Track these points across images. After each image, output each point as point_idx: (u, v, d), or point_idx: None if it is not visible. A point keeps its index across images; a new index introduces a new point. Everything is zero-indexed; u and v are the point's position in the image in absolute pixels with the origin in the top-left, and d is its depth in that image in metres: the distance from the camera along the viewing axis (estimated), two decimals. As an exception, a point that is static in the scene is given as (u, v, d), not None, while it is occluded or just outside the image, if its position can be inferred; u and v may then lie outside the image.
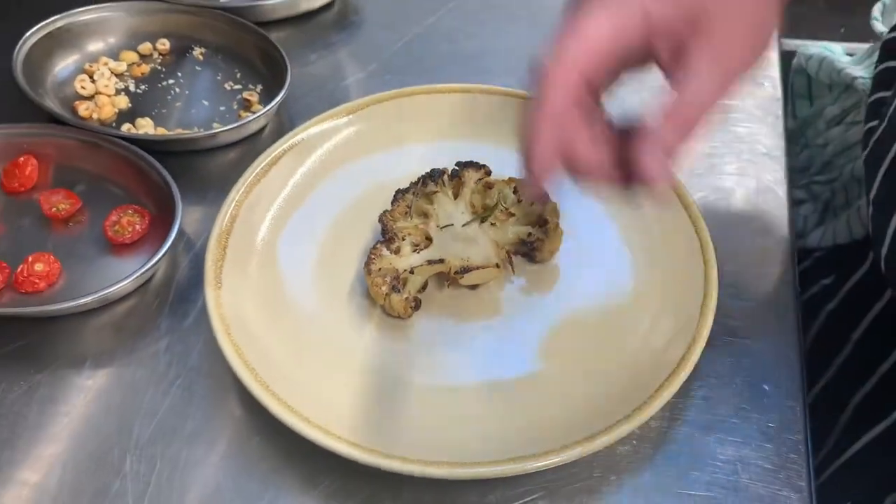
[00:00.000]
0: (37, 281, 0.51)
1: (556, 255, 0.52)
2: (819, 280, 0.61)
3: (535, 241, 0.51)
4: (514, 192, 0.53)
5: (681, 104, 0.36)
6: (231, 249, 0.50)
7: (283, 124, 0.65)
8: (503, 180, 0.54)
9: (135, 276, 0.50)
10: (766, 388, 0.48)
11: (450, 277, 0.50)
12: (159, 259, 0.50)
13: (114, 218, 0.54)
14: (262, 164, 0.55)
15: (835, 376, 0.58)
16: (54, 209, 0.55)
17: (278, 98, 0.61)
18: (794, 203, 0.65)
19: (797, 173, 0.71)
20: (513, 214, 0.52)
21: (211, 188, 0.59)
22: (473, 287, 0.51)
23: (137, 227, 0.54)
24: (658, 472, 0.44)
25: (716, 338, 0.48)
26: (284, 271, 0.51)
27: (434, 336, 0.49)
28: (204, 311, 0.50)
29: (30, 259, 0.51)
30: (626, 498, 0.43)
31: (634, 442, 0.45)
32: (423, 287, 0.50)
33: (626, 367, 0.46)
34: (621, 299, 0.50)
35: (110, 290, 0.49)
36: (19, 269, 0.51)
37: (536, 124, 0.37)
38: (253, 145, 0.63)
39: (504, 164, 0.55)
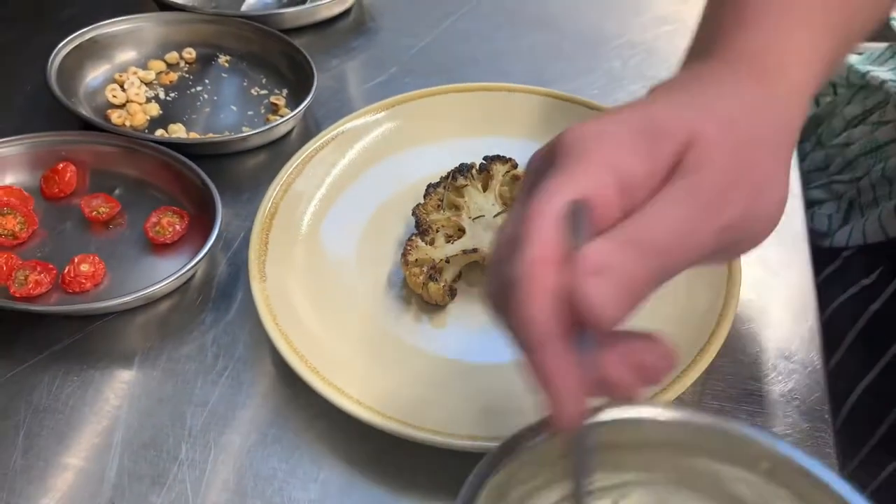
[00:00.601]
0: (83, 281, 0.53)
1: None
2: (858, 280, 0.62)
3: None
4: (541, 183, 0.55)
5: (633, 229, 0.29)
6: (272, 244, 0.52)
7: (310, 127, 0.67)
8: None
9: (178, 274, 0.52)
10: (786, 364, 0.50)
11: (483, 266, 0.52)
12: (202, 257, 0.52)
13: (154, 219, 0.56)
14: (298, 162, 0.57)
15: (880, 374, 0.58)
16: (95, 213, 0.57)
17: (307, 100, 0.63)
18: (809, 203, 0.67)
19: (813, 173, 0.72)
20: (541, 204, 0.54)
21: (244, 189, 0.61)
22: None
23: (177, 227, 0.56)
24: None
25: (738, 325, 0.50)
26: (325, 263, 0.53)
27: (470, 320, 0.51)
28: (245, 305, 0.53)
29: (76, 260, 0.53)
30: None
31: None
32: (458, 276, 0.52)
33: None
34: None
35: (155, 287, 0.51)
36: (66, 270, 0.53)
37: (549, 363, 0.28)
38: (281, 148, 0.65)
39: (529, 156, 0.58)
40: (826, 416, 0.47)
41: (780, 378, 0.49)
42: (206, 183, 0.56)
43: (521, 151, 0.57)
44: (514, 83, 0.65)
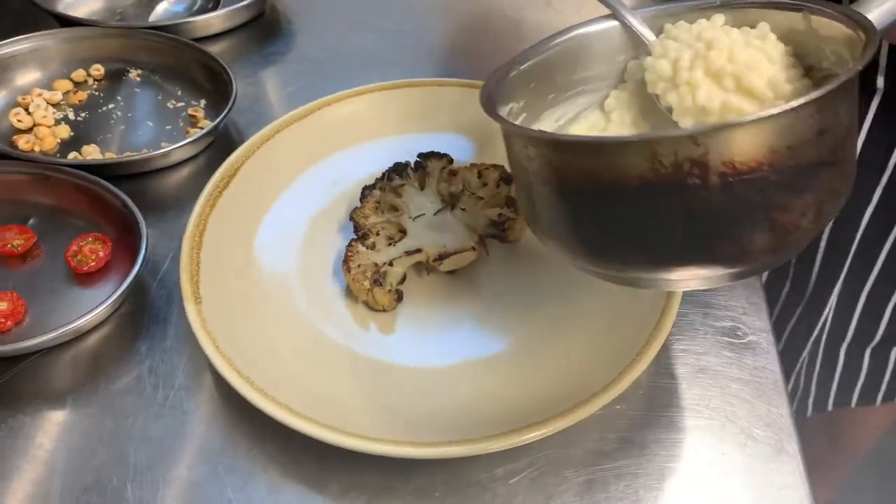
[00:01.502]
0: (2, 320, 0.49)
1: (526, 232, 0.54)
2: None
3: (506, 221, 0.52)
4: (479, 176, 0.54)
5: None
6: (205, 263, 0.49)
7: (232, 137, 0.64)
8: (465, 167, 0.55)
9: (105, 303, 0.48)
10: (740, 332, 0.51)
11: (428, 265, 0.50)
12: (129, 283, 0.49)
13: (74, 248, 0.53)
14: (224, 175, 0.54)
15: None
16: (9, 246, 0.53)
17: (226, 110, 0.61)
18: None
19: None
20: (481, 198, 0.53)
21: (168, 207, 0.58)
22: (452, 272, 0.51)
23: (100, 253, 0.53)
24: (654, 424, 0.46)
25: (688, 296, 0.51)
26: (263, 278, 0.51)
27: (419, 322, 0.50)
28: (181, 330, 0.50)
29: (-8, 299, 0.50)
30: (631, 451, 0.45)
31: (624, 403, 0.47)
32: (403, 279, 0.50)
33: (611, 328, 0.48)
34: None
35: (82, 320, 0.48)
36: (-19, 311, 0.49)
37: None
38: (204, 161, 0.62)
39: (462, 151, 0.57)
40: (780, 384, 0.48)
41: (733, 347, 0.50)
42: (128, 204, 0.53)
43: (455, 146, 0.57)
44: (436, 76, 0.64)
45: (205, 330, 0.45)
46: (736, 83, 0.41)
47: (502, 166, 0.54)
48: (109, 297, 0.49)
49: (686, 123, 0.42)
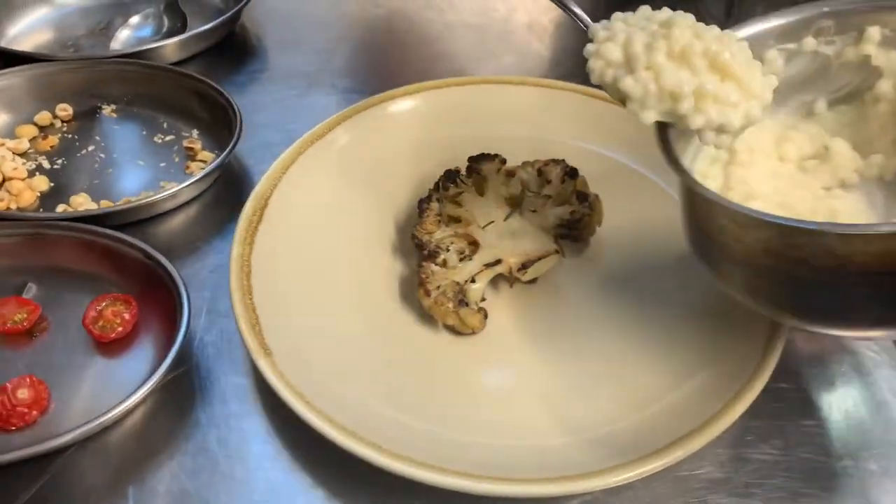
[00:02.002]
0: (25, 411, 0.41)
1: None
2: None
3: (581, 218, 0.48)
4: (539, 174, 0.49)
5: None
6: (261, 308, 0.43)
7: (232, 166, 0.57)
8: (520, 166, 0.50)
9: (154, 377, 0.41)
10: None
11: (511, 277, 0.46)
12: (177, 350, 0.42)
13: (93, 313, 0.45)
14: (255, 210, 0.48)
15: None
16: (10, 323, 0.45)
17: (235, 137, 0.54)
18: None
19: None
20: (548, 196, 0.48)
21: (185, 253, 0.51)
22: (532, 281, 0.47)
23: (126, 315, 0.45)
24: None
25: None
26: (325, 318, 0.45)
27: (509, 340, 0.45)
28: (241, 389, 0.43)
29: (8, 388, 0.41)
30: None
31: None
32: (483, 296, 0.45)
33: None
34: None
35: (131, 400, 0.40)
36: (-1, 404, 0.41)
37: None
38: (211, 196, 0.55)
39: (508, 150, 0.52)
40: None
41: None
42: (151, 254, 0.46)
43: (501, 145, 0.52)
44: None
45: (284, 383, 0.39)
46: (710, 62, 0.36)
47: (563, 161, 0.49)
48: (155, 370, 0.41)
49: (651, 115, 0.37)
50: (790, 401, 0.43)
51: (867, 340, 0.45)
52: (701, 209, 0.37)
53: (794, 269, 0.34)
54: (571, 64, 0.70)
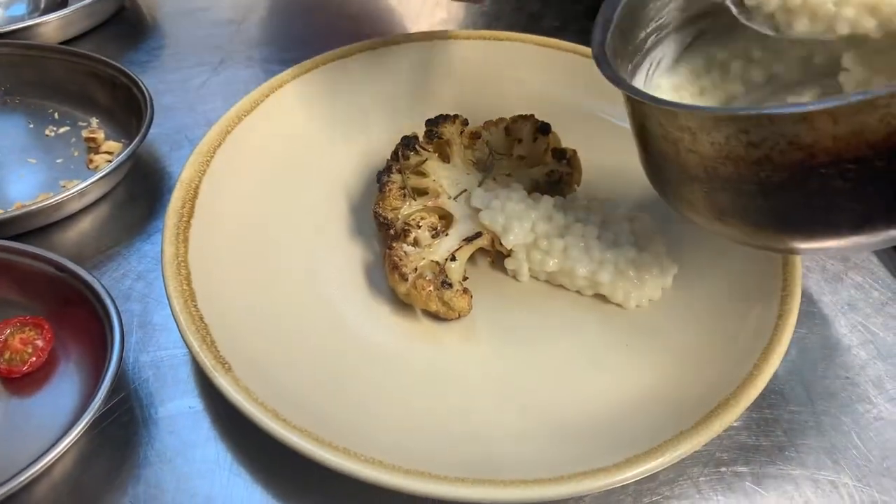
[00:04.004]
0: (-79, 475, 0.33)
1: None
2: None
3: (560, 177, 0.43)
4: (507, 133, 0.44)
5: None
6: (209, 317, 0.36)
7: (142, 155, 0.49)
8: (483, 127, 0.45)
9: (89, 413, 0.33)
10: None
11: (493, 250, 0.40)
12: (112, 376, 0.34)
13: (-4, 344, 0.37)
14: (183, 201, 0.40)
15: None
16: None
17: (146, 123, 0.46)
18: None
19: None
20: (522, 157, 0.43)
21: (103, 260, 0.43)
22: (510, 253, 0.41)
23: (38, 342, 0.37)
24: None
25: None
26: (283, 320, 0.38)
27: (497, 316, 0.39)
28: (196, 413, 0.36)
29: None
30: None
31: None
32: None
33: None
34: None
35: (58, 447, 0.32)
36: None
37: None
38: (123, 191, 0.47)
39: (468, 109, 0.47)
40: None
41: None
42: (66, 267, 0.38)
43: (457, 105, 0.47)
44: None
45: (256, 403, 0.32)
46: None
47: (531, 116, 0.44)
48: (86, 404, 0.33)
49: (801, 28, 0.34)
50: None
51: (872, 249, 0.39)
52: (651, 126, 0.32)
53: (758, 171, 0.29)
54: (509, 15, 0.65)
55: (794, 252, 0.34)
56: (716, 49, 0.39)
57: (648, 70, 0.38)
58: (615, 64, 0.34)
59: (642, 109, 0.32)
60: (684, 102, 0.35)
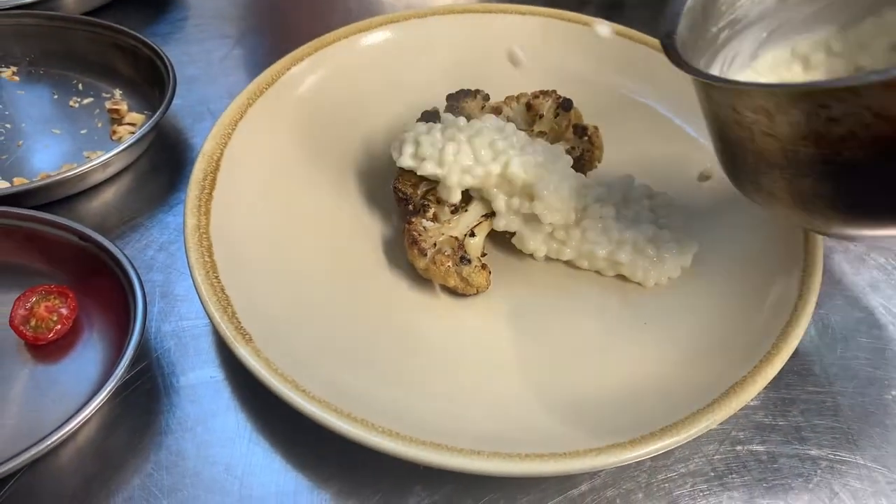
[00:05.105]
0: (-48, 437, 0.34)
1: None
2: None
3: (581, 154, 0.42)
4: (528, 109, 0.44)
5: None
6: (230, 288, 0.36)
7: (166, 127, 0.50)
8: (504, 102, 0.44)
9: (112, 380, 0.34)
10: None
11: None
12: (136, 345, 0.35)
13: (22, 312, 0.37)
14: (205, 173, 0.40)
15: None
16: (-83, 332, 0.37)
17: (168, 94, 0.46)
18: None
19: None
20: (543, 133, 0.43)
21: (125, 230, 0.44)
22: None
23: (63, 311, 0.38)
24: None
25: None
26: (303, 288, 0.38)
27: (513, 302, 0.39)
28: (217, 382, 0.37)
29: (-74, 411, 0.34)
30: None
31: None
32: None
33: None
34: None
35: (83, 413, 0.33)
36: (-85, 432, 0.33)
37: None
38: (146, 162, 0.47)
39: (489, 84, 0.46)
40: None
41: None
42: (88, 236, 0.38)
43: (478, 80, 0.46)
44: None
45: (277, 374, 0.33)
46: None
47: (553, 91, 0.44)
48: (109, 372, 0.34)
49: None
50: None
51: None
52: (724, 113, 0.31)
53: (841, 150, 0.27)
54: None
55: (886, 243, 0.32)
56: (795, 42, 0.38)
57: (722, 66, 0.37)
58: (685, 55, 0.32)
59: (713, 96, 0.31)
60: (758, 81, 0.34)
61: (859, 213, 0.29)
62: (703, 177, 0.45)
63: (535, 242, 0.39)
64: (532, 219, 0.39)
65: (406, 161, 0.39)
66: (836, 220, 0.30)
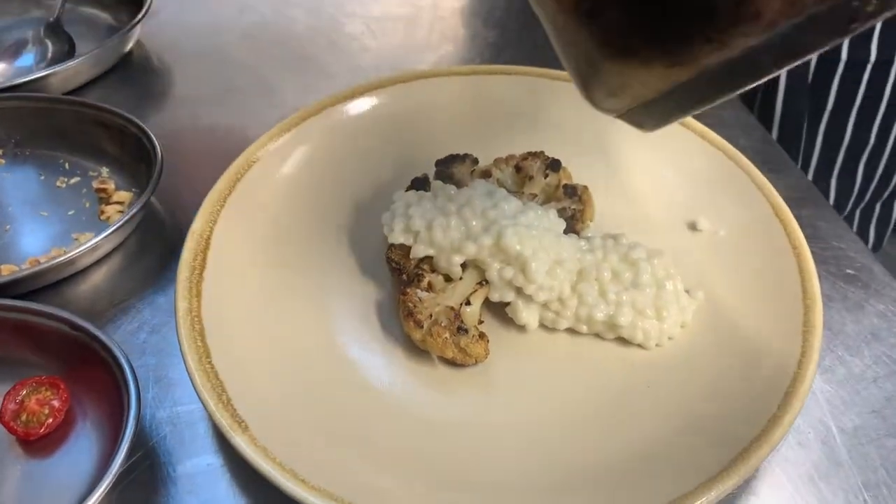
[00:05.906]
0: (-58, 545, 0.33)
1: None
2: None
3: (573, 215, 0.42)
4: (517, 171, 0.44)
5: None
6: (224, 373, 0.35)
7: (155, 202, 0.49)
8: (493, 165, 0.44)
9: (110, 474, 0.33)
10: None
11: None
12: (131, 436, 0.34)
13: (12, 406, 0.37)
14: (194, 254, 0.40)
15: None
16: None
17: (156, 172, 0.46)
18: None
19: None
20: (534, 195, 0.43)
21: (117, 314, 0.43)
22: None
23: (55, 403, 0.37)
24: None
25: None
26: (298, 370, 0.38)
27: (513, 370, 0.39)
28: (215, 470, 0.36)
29: (-87, 519, 0.33)
30: None
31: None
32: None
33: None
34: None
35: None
36: None
37: None
38: (134, 242, 0.47)
39: (477, 147, 0.46)
40: None
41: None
42: (76, 324, 0.38)
43: (466, 143, 0.46)
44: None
45: (275, 463, 0.32)
46: None
47: (541, 153, 0.44)
48: (106, 465, 0.33)
49: None
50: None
51: None
52: None
53: None
54: (515, 44, 0.65)
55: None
56: None
57: None
58: None
59: None
60: None
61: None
62: (692, 226, 0.44)
63: (528, 313, 0.39)
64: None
65: (397, 237, 0.39)
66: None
